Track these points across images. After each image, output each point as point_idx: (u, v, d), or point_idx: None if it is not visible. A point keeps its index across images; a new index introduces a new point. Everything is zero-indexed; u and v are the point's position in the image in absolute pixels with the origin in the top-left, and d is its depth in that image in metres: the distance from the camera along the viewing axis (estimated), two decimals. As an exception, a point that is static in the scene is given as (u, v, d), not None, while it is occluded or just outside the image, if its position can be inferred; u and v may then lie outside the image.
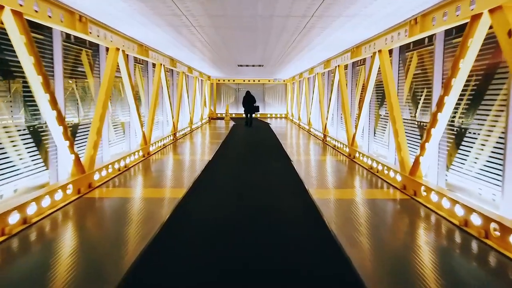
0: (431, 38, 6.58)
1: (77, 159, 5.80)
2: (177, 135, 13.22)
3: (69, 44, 6.89)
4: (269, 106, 27.20)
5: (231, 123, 21.49)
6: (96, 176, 6.35)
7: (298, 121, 19.69)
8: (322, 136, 13.08)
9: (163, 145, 11.16)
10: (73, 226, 4.45)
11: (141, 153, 8.92)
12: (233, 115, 26.47)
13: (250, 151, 10.93)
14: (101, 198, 5.61)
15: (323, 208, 5.11)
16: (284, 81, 26.26)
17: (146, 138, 9.36)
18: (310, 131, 15.95)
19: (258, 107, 18.90)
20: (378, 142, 9.26)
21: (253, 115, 19.28)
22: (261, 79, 26.42)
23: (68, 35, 6.76)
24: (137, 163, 8.36)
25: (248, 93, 18.85)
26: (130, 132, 9.73)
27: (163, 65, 11.06)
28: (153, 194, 5.91)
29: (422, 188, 5.47)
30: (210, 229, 4.32)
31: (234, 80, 26.62)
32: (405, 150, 6.35)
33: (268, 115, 26.94)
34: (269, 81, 26.49)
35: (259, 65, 15.50)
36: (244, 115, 19.55)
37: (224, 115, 24.94)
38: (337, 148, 10.78)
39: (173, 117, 12.63)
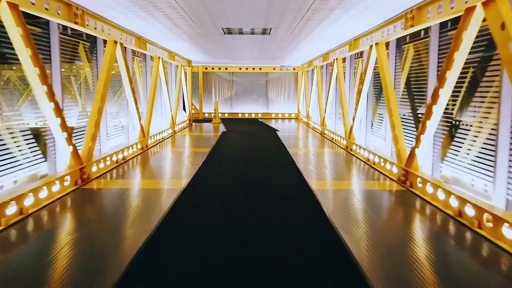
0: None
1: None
2: (91, 171, 6.40)
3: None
4: (273, 104, 20.22)
5: (221, 128, 14.82)
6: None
7: (321, 127, 12.86)
8: (402, 174, 6.23)
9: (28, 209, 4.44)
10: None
11: None
12: (226, 115, 19.71)
13: (241, 233, 4.12)
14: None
15: None
16: (294, 69, 19.38)
17: None
18: (351, 149, 9.14)
19: None
20: None
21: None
22: (263, 66, 19.55)
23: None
24: None
25: None
26: None
27: (57, 23, 4.24)
28: None
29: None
30: None
31: (226, 68, 19.75)
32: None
33: (273, 115, 20.03)
34: (274, 69, 19.59)
35: (263, 31, 8.58)
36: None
37: (212, 115, 18.15)
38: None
39: (69, 136, 5.79)
